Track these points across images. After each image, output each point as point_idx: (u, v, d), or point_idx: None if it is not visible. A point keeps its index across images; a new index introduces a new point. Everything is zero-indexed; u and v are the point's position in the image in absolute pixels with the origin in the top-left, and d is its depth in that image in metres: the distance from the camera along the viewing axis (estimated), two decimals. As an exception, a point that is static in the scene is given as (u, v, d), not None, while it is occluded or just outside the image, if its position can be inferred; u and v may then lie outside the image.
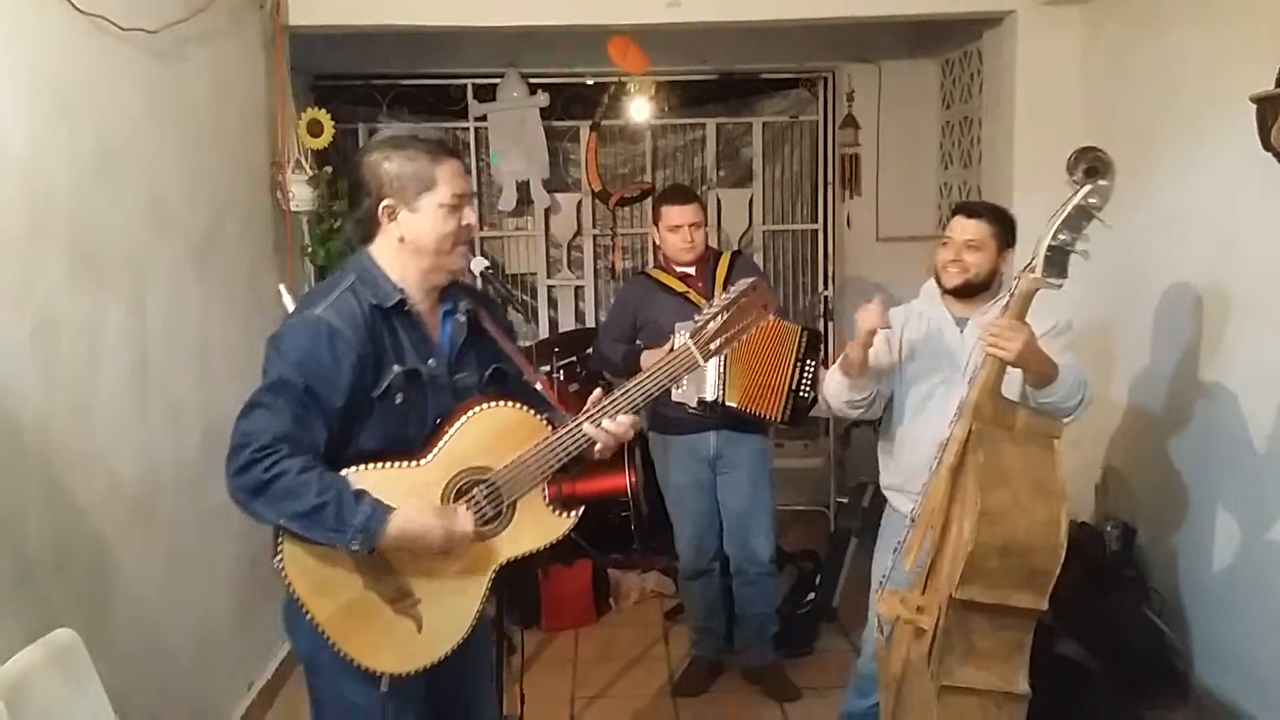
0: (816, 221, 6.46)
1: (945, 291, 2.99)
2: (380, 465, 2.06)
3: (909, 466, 2.98)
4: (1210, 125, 3.48)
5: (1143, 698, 3.58)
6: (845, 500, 4.69)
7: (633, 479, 4.82)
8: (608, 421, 2.14)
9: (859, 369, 2.93)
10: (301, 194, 4.26)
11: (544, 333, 6.30)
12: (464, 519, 2.07)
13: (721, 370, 3.56)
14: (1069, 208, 2.35)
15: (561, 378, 5.24)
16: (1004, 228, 2.97)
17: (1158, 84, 3.83)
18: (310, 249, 4.52)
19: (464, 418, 2.11)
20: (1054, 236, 2.36)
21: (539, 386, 2.24)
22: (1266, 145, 3.04)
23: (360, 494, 1.99)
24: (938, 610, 2.50)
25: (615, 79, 5.81)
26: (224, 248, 3.70)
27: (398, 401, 2.09)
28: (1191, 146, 3.62)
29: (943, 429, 2.66)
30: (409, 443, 2.11)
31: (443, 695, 2.29)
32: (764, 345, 3.60)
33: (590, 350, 5.05)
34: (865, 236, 6.05)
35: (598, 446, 2.15)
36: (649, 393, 2.17)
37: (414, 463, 2.09)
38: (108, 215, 2.91)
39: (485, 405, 2.12)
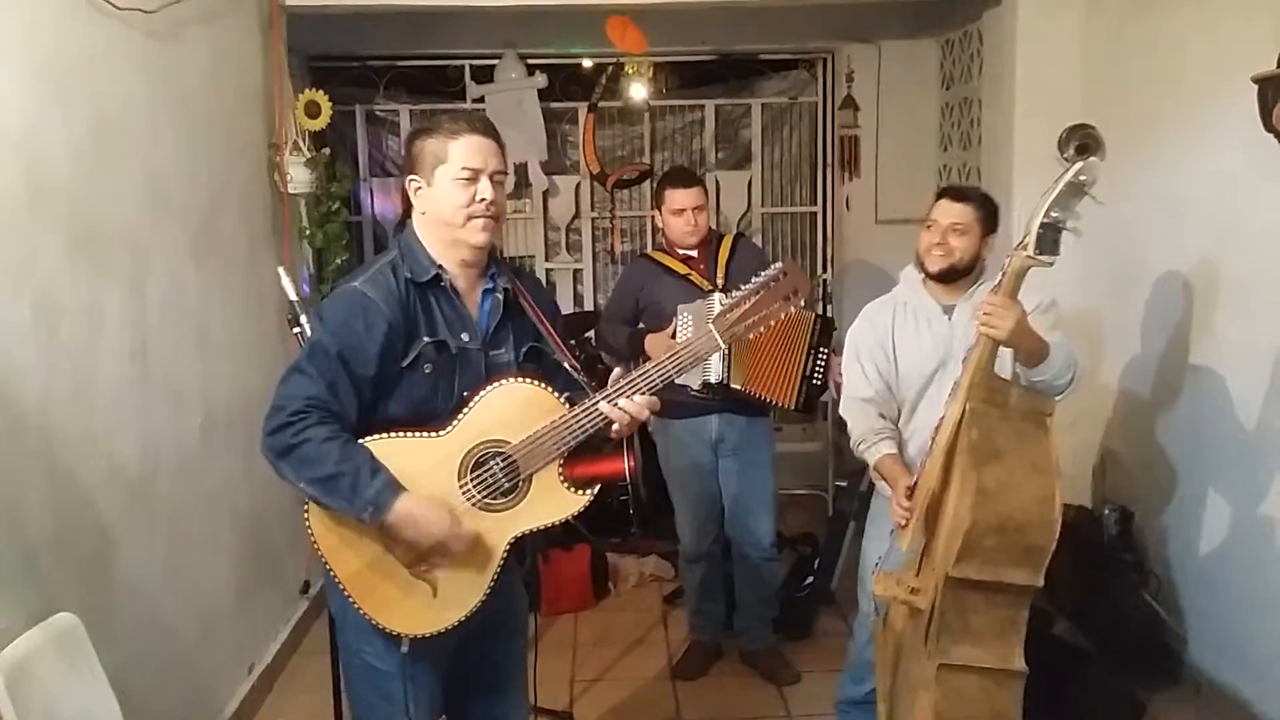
0: (815, 203, 6.46)
1: (929, 276, 2.98)
2: (402, 434, 2.14)
3: (908, 460, 2.98)
4: (1210, 106, 3.47)
5: (1139, 680, 3.59)
6: (844, 484, 4.69)
7: (632, 463, 4.79)
8: (625, 401, 2.17)
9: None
10: (299, 176, 4.24)
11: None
12: (467, 530, 2.14)
13: (726, 353, 3.52)
14: (1060, 185, 2.34)
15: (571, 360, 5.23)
16: (988, 212, 2.97)
17: (1158, 65, 3.82)
18: (308, 231, 4.51)
19: (484, 392, 2.16)
20: (1046, 214, 2.36)
21: (567, 366, 2.28)
22: (1268, 126, 3.03)
23: (377, 469, 2.07)
24: (934, 589, 2.51)
25: (613, 60, 5.78)
26: (222, 230, 3.69)
27: (426, 372, 2.17)
28: (1191, 128, 3.60)
29: (932, 418, 2.67)
30: (435, 414, 2.18)
31: (469, 663, 2.36)
32: (776, 330, 3.58)
33: (589, 333, 5.04)
34: (864, 218, 6.04)
35: (615, 426, 2.19)
36: (668, 374, 2.21)
37: (435, 433, 2.15)
38: (106, 196, 2.90)
39: (505, 380, 2.18)
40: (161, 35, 3.24)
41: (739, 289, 2.24)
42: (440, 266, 2.20)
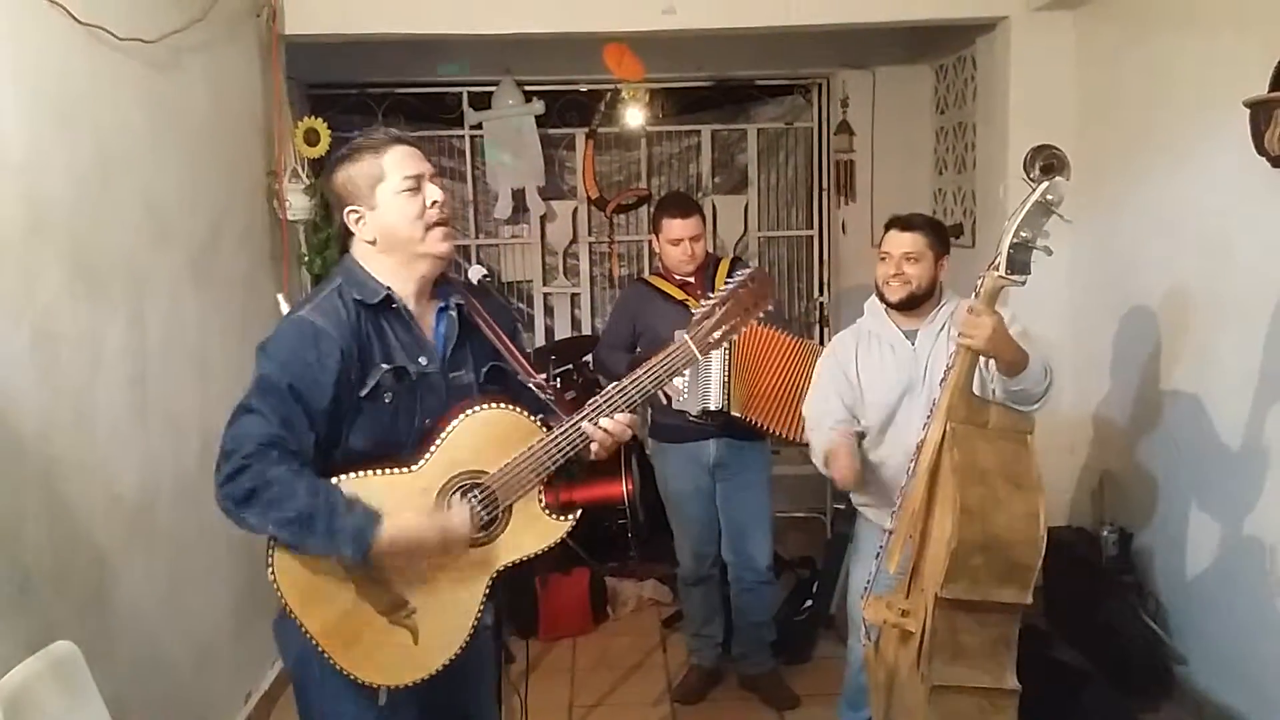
0: (812, 227, 6.49)
1: (890, 306, 3.02)
2: (372, 472, 2.02)
3: (882, 484, 3.02)
4: (1203, 130, 3.50)
5: (1139, 701, 3.59)
6: (842, 507, 4.68)
7: (630, 486, 4.82)
8: (605, 420, 2.08)
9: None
10: (298, 203, 4.26)
11: (540, 340, 6.30)
12: (459, 515, 2.03)
13: (726, 379, 3.54)
14: (1028, 205, 2.38)
15: (559, 385, 5.24)
16: (938, 236, 3.02)
17: (1150, 89, 3.85)
18: (307, 258, 4.51)
19: (455, 421, 2.06)
20: (1015, 234, 2.39)
21: (532, 386, 2.17)
22: (1260, 149, 3.06)
23: (351, 501, 1.95)
24: (924, 611, 2.51)
25: (611, 86, 5.82)
26: (221, 257, 3.71)
27: (386, 400, 2.05)
28: (1184, 150, 3.63)
29: (910, 443, 2.68)
30: (399, 444, 2.07)
31: (440, 708, 2.23)
32: (780, 360, 3.59)
33: (587, 358, 5.05)
34: (860, 242, 6.06)
35: (594, 447, 2.10)
36: (646, 390, 2.12)
37: (406, 469, 2.04)
38: (106, 224, 2.91)
39: (476, 408, 2.07)
40: (161, 64, 3.26)
41: (709, 298, 2.19)
42: (388, 288, 2.08)
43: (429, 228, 2.07)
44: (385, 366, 2.05)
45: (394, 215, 2.05)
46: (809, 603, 4.45)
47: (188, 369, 3.40)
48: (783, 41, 5.41)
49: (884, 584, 2.78)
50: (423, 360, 2.10)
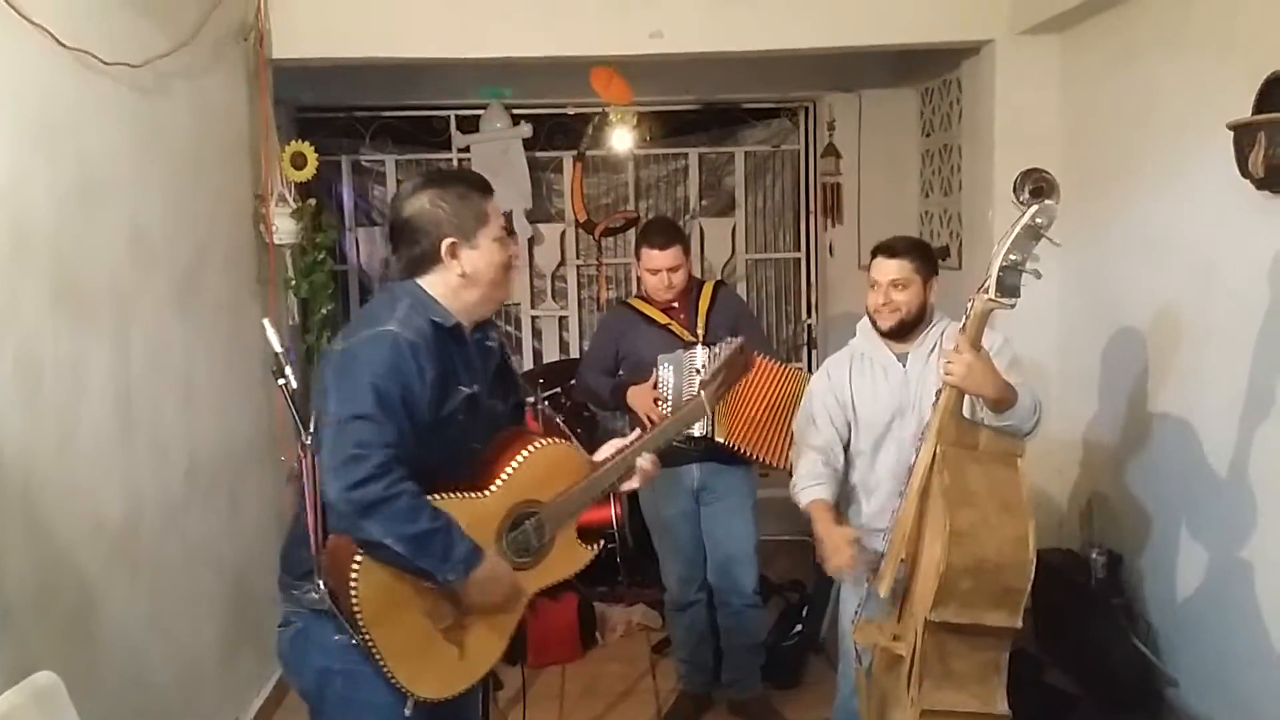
0: (799, 250, 6.51)
1: (883, 334, 3.02)
2: (451, 495, 2.10)
3: (873, 507, 3.02)
4: (1188, 152, 3.51)
5: (1131, 724, 3.58)
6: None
7: (618, 511, 4.80)
8: (641, 460, 2.31)
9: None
10: (284, 227, 4.25)
11: (528, 364, 6.29)
12: (526, 592, 2.20)
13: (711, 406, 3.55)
14: (1017, 229, 2.38)
15: (547, 408, 5.22)
16: (925, 260, 3.00)
17: (1135, 111, 3.87)
18: (294, 282, 4.50)
19: (525, 452, 2.19)
20: (1004, 257, 2.39)
21: (559, 422, 2.41)
22: (1244, 172, 3.07)
23: (461, 529, 2.05)
24: (913, 635, 2.50)
25: (598, 109, 5.83)
26: (207, 281, 3.69)
27: (459, 421, 2.15)
28: (1169, 173, 3.65)
29: (900, 466, 2.67)
30: (458, 465, 2.17)
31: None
32: (766, 387, 3.58)
33: (574, 381, 5.03)
34: (848, 264, 6.07)
35: (637, 481, 2.33)
36: (669, 436, 2.41)
37: (477, 494, 2.15)
38: (90, 248, 2.89)
39: (541, 442, 2.23)
40: (147, 89, 3.26)
41: (720, 345, 2.41)
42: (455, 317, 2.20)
43: (508, 275, 2.25)
44: (464, 390, 2.16)
45: (489, 258, 2.18)
46: (799, 627, 4.43)
47: (172, 393, 3.38)
48: (769, 65, 5.43)
49: (875, 607, 2.77)
50: (477, 387, 2.21)
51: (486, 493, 2.15)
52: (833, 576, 2.96)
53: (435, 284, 2.19)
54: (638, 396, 3.64)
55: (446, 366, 2.11)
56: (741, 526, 3.81)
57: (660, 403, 3.59)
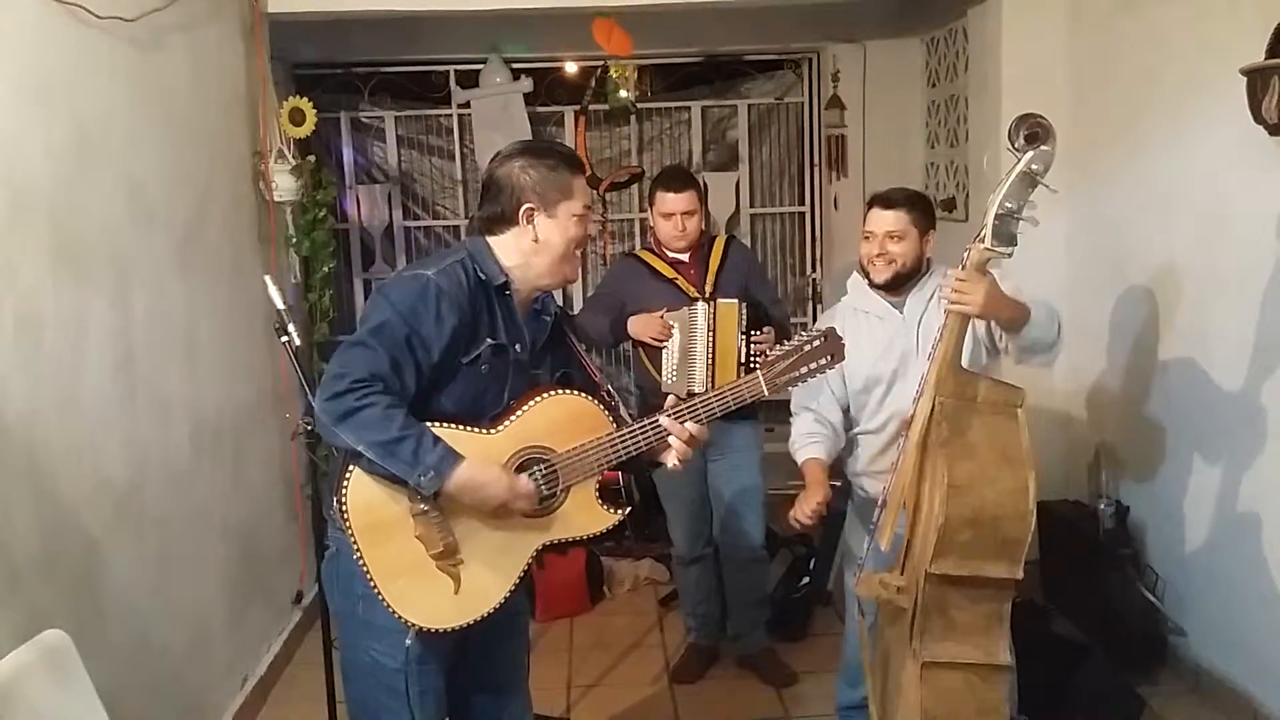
0: (804, 203, 6.45)
1: (875, 286, 2.98)
2: (454, 426, 2.17)
3: (873, 452, 3.02)
4: (1199, 99, 3.47)
5: (1138, 673, 3.59)
6: (838, 483, 4.67)
7: (625, 466, 4.79)
8: (692, 424, 2.24)
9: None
10: (284, 184, 4.21)
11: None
12: (525, 482, 2.18)
13: (710, 362, 3.59)
14: (1013, 176, 2.35)
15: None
16: (922, 212, 2.95)
17: (1145, 59, 3.81)
18: (294, 239, 4.48)
19: (537, 399, 2.23)
20: (1000, 205, 2.36)
21: (605, 395, 2.36)
22: (1258, 118, 3.03)
23: (437, 438, 2.11)
24: (915, 587, 2.50)
25: (600, 62, 5.76)
26: (207, 239, 3.66)
27: (483, 371, 2.22)
28: (1180, 121, 3.60)
29: (903, 411, 2.66)
30: (481, 414, 2.23)
31: (470, 665, 2.39)
32: (715, 333, 3.60)
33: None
34: (853, 218, 5.98)
35: (672, 457, 2.26)
36: (714, 410, 2.26)
37: (485, 430, 2.20)
38: (88, 206, 2.86)
39: (558, 391, 2.27)
40: (142, 44, 3.21)
41: (783, 345, 2.27)
42: (508, 276, 2.26)
43: (575, 251, 2.29)
44: (491, 341, 2.23)
45: (564, 233, 2.25)
46: (806, 579, 4.44)
47: (175, 351, 3.36)
48: (772, 16, 5.37)
49: (877, 560, 2.77)
50: (518, 348, 2.28)
51: (495, 430, 2.20)
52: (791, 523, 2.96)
53: (506, 244, 2.26)
54: (640, 321, 3.65)
55: (478, 317, 2.20)
56: (748, 480, 3.80)
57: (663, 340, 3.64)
